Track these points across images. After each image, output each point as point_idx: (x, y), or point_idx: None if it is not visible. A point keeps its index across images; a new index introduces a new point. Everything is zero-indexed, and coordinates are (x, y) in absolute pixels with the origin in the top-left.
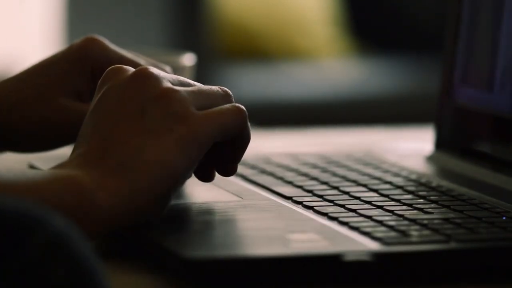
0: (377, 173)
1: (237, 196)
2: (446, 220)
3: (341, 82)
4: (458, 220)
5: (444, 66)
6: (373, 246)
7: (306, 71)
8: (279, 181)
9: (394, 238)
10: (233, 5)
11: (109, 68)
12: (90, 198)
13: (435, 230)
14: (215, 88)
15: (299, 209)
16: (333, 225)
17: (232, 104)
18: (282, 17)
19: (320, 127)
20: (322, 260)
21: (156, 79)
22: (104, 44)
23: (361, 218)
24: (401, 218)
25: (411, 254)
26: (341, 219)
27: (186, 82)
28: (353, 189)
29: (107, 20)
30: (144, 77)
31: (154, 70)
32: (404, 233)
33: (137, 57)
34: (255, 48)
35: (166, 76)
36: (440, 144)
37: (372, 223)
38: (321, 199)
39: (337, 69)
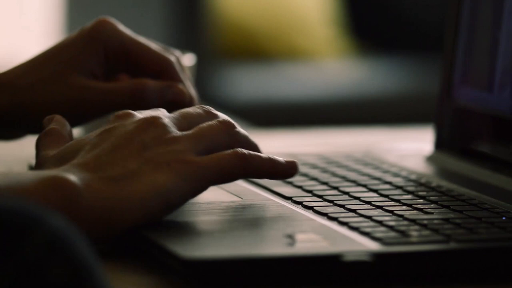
0: (377, 173)
1: (237, 196)
2: (446, 220)
3: (341, 82)
4: (457, 220)
5: (444, 66)
6: (373, 246)
7: (306, 71)
8: (279, 181)
9: (394, 238)
10: (233, 5)
11: (116, 112)
12: (75, 197)
13: (435, 230)
14: (215, 125)
15: (299, 209)
16: (333, 225)
17: (233, 150)
18: (282, 17)
19: (320, 127)
20: (322, 260)
21: (163, 127)
22: (115, 26)
23: (361, 218)
24: (401, 218)
25: (411, 254)
26: (341, 219)
27: (189, 115)
28: (353, 189)
29: None
30: (151, 124)
31: (162, 118)
32: (404, 233)
33: (147, 41)
34: (255, 48)
35: (172, 123)
36: (440, 144)
37: (372, 223)
38: (321, 199)
39: (337, 69)
